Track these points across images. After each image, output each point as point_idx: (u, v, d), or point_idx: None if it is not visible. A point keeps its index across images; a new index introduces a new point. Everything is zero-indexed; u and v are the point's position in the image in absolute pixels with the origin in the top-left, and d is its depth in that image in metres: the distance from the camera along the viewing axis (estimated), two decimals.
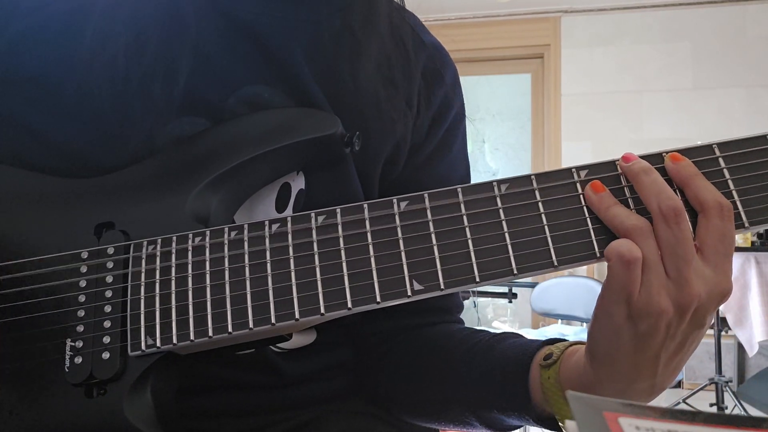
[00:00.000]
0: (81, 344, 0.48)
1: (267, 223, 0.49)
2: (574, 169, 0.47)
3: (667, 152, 0.46)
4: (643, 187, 0.45)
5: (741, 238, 3.28)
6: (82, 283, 0.50)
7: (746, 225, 0.45)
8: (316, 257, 0.47)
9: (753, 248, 2.90)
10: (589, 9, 3.89)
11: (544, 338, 0.56)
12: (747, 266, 2.76)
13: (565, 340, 0.53)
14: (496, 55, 4.09)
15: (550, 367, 0.50)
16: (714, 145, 0.46)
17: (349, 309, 0.46)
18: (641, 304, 0.43)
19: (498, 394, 0.54)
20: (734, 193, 0.45)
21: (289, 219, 0.49)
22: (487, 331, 0.62)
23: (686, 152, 0.46)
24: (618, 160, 0.47)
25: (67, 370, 0.48)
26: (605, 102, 3.85)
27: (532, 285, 3.20)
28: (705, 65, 3.73)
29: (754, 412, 2.84)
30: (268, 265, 0.48)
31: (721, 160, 0.46)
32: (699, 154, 0.46)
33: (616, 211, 0.45)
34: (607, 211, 0.45)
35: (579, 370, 0.48)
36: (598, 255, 0.45)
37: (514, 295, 3.16)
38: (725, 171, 0.46)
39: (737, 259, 2.76)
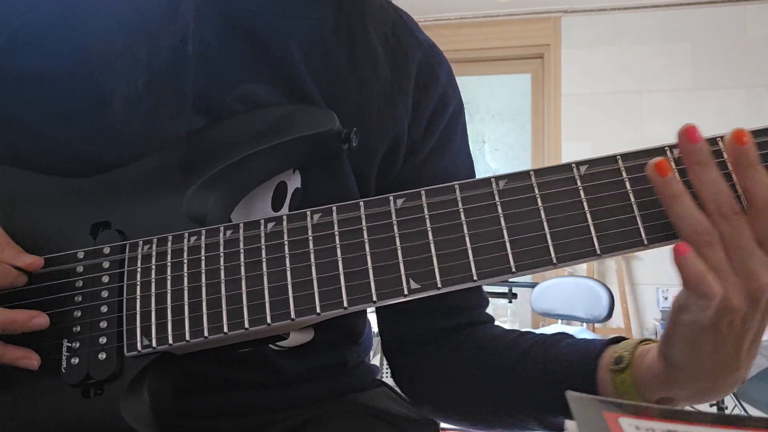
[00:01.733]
0: (78, 345, 0.48)
1: (263, 221, 0.49)
2: (573, 164, 0.46)
3: (670, 146, 0.46)
4: (701, 182, 0.43)
5: None
6: (79, 284, 0.49)
7: (645, 243, 0.45)
8: (312, 256, 0.47)
9: None
10: (589, 9, 3.89)
11: (599, 339, 0.55)
12: None
13: (624, 338, 0.53)
14: (496, 55, 4.09)
15: (623, 371, 0.50)
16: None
17: (345, 308, 0.46)
18: (720, 309, 0.42)
19: (564, 400, 0.54)
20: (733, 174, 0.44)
21: (284, 218, 0.48)
22: (533, 333, 0.62)
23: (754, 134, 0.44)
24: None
25: (64, 371, 0.48)
26: (605, 102, 3.84)
27: (532, 285, 3.20)
28: (705, 65, 3.73)
29: (754, 412, 2.84)
30: (264, 264, 0.48)
31: (724, 153, 0.45)
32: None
33: (683, 209, 0.43)
34: (672, 200, 0.43)
35: (656, 373, 0.48)
36: (598, 252, 0.44)
37: (514, 295, 3.16)
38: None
39: None
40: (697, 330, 0.44)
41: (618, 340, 0.54)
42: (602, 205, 0.45)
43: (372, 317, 0.73)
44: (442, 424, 0.70)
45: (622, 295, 3.54)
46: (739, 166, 0.43)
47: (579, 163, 0.46)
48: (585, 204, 0.45)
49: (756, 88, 3.65)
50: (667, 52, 3.78)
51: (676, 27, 3.78)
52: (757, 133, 0.44)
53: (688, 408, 0.36)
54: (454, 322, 0.66)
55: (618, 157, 0.46)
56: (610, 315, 2.91)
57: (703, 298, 0.42)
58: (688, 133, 0.44)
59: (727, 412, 2.71)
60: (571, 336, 0.59)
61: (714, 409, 2.76)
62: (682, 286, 0.42)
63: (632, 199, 0.45)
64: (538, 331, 0.64)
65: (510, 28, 4.00)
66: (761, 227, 0.42)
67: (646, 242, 0.44)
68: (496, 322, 0.71)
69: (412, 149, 0.65)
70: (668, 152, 0.45)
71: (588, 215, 0.45)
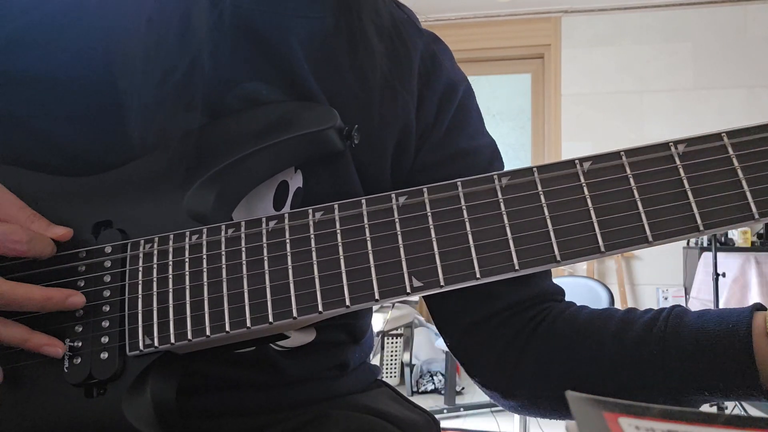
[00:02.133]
0: (80, 344, 0.48)
1: (264, 220, 0.48)
2: (577, 161, 0.46)
3: (675, 142, 0.45)
4: None
5: (741, 238, 3.28)
6: (81, 283, 0.49)
7: (756, 216, 0.43)
8: (314, 254, 0.47)
9: (753, 248, 2.90)
10: (590, 9, 3.89)
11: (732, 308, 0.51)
12: (747, 266, 2.76)
13: (762, 305, 0.50)
14: (496, 55, 4.09)
15: None
16: (723, 134, 0.44)
17: (348, 306, 0.45)
18: None
19: (709, 375, 0.50)
20: (743, 182, 0.44)
21: (286, 216, 0.48)
22: (636, 311, 0.57)
23: (695, 141, 0.45)
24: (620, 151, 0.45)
25: (66, 371, 0.48)
26: (605, 102, 3.85)
27: None
28: (705, 65, 3.73)
29: (754, 412, 2.84)
30: (266, 262, 0.47)
31: (729, 147, 0.44)
32: (707, 142, 0.44)
33: None
34: None
35: None
36: (602, 249, 0.44)
37: None
38: (734, 159, 0.44)
39: (737, 259, 2.76)
40: None
41: (761, 307, 0.50)
42: (605, 202, 0.45)
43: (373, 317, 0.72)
44: (443, 425, 0.69)
45: (622, 295, 3.54)
46: None
47: (582, 160, 0.46)
48: (588, 201, 0.45)
49: (756, 87, 3.65)
50: (667, 52, 3.78)
51: (676, 27, 3.78)
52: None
53: (688, 408, 0.36)
54: (542, 308, 0.62)
55: (621, 153, 0.46)
56: None
57: None
58: None
59: (727, 412, 2.71)
60: (684, 308, 0.55)
61: (714, 409, 2.77)
62: None
63: (636, 196, 0.44)
64: None
65: (510, 28, 4.00)
66: None
67: (650, 239, 0.44)
68: None
69: (423, 136, 0.65)
70: (672, 148, 0.45)
71: (592, 212, 0.44)
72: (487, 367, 0.63)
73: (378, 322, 3.50)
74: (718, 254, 2.86)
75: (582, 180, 0.45)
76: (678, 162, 0.45)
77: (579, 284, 2.97)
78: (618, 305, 3.23)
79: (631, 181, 0.45)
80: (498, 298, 0.61)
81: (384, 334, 3.64)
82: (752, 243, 3.02)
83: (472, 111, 0.69)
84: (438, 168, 0.58)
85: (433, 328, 2.95)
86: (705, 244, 3.28)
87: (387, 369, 3.75)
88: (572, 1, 3.86)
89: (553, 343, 0.59)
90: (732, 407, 2.82)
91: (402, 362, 3.78)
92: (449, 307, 0.64)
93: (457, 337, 0.65)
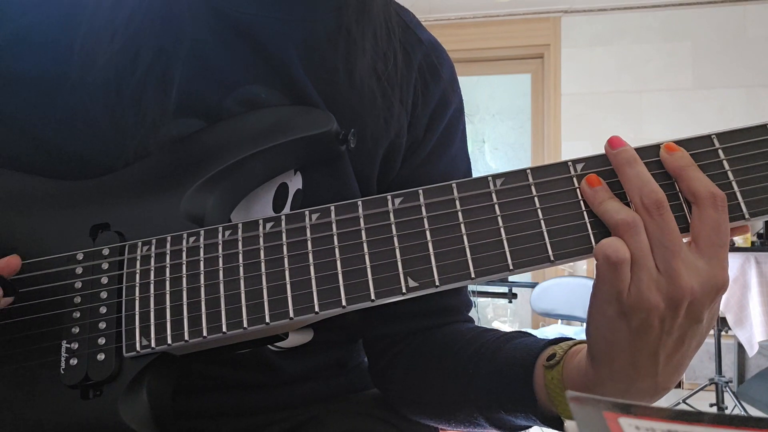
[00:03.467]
0: (76, 346, 0.48)
1: (261, 222, 0.49)
2: (570, 163, 0.46)
3: (664, 143, 0.46)
4: (627, 179, 0.44)
5: (741, 238, 3.28)
6: (78, 285, 0.49)
7: (746, 216, 0.44)
8: (311, 255, 0.47)
9: (753, 248, 2.89)
10: (589, 9, 3.89)
11: (548, 338, 0.55)
12: (747, 266, 2.76)
13: (571, 339, 0.53)
14: (496, 55, 4.09)
15: (553, 368, 0.49)
16: (713, 136, 0.45)
17: (344, 307, 0.46)
18: (632, 300, 0.42)
19: (505, 395, 0.54)
20: (734, 183, 0.44)
21: (283, 218, 0.48)
22: (497, 331, 0.61)
23: (684, 143, 0.45)
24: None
25: (62, 372, 0.48)
26: (605, 102, 3.85)
27: (532, 285, 3.20)
28: (705, 65, 3.73)
29: (754, 412, 2.84)
30: (263, 264, 0.48)
31: (720, 151, 0.45)
32: (698, 146, 0.45)
33: (608, 205, 0.44)
34: (600, 205, 0.44)
35: (581, 371, 0.47)
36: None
37: (514, 296, 3.16)
38: (725, 162, 0.45)
39: (737, 259, 2.76)
40: (614, 318, 0.43)
41: (564, 340, 0.53)
42: None
43: None
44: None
45: None
46: (676, 169, 0.44)
47: (576, 161, 0.47)
48: (582, 202, 0.45)
49: (756, 87, 3.65)
50: (667, 52, 3.78)
51: (676, 26, 3.78)
52: (686, 143, 0.46)
53: (688, 408, 0.36)
54: (433, 322, 0.66)
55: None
56: None
57: (606, 262, 0.42)
58: (611, 142, 0.46)
59: (727, 412, 2.71)
60: (529, 335, 0.59)
61: (714, 409, 2.77)
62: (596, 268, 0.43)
63: (629, 197, 0.45)
64: (537, 331, 0.64)
65: (510, 28, 4.00)
66: (707, 220, 0.42)
67: None
68: (497, 322, 0.70)
69: (411, 149, 0.65)
70: (661, 150, 0.45)
71: (585, 213, 0.45)
72: (376, 377, 0.69)
73: None
74: None
75: (575, 183, 0.46)
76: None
77: (579, 284, 2.97)
78: None
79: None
80: (398, 319, 0.65)
81: None
82: (752, 243, 3.02)
83: (457, 133, 0.70)
84: (413, 186, 0.59)
85: None
86: None
87: None
88: (572, 1, 3.86)
89: (419, 357, 0.64)
90: (732, 407, 2.82)
91: None
92: (368, 322, 0.67)
93: (376, 343, 0.68)
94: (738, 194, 0.44)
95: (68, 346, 0.48)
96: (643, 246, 0.42)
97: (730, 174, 0.45)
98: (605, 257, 0.42)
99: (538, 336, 0.58)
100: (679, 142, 0.45)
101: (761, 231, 3.38)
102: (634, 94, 3.82)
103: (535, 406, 0.51)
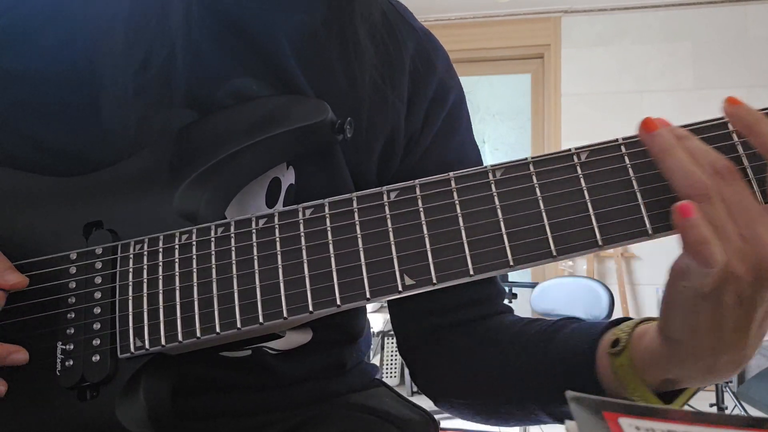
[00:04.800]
0: (72, 347, 0.48)
1: (254, 218, 0.48)
2: (573, 151, 0.44)
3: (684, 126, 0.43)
4: (678, 157, 0.40)
5: None
6: (72, 285, 0.49)
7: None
8: (304, 252, 0.46)
9: None
10: (590, 9, 3.89)
11: (601, 321, 0.53)
12: None
13: (629, 319, 0.50)
14: (496, 55, 4.09)
15: (620, 354, 0.47)
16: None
17: (338, 306, 0.45)
18: (717, 275, 0.39)
19: (567, 387, 0.52)
20: (749, 170, 0.42)
21: (276, 214, 0.48)
22: (542, 320, 0.59)
23: (698, 130, 0.43)
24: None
25: (58, 374, 0.47)
26: (605, 102, 3.85)
27: (532, 285, 3.20)
28: (705, 65, 3.73)
29: (754, 412, 2.84)
30: (255, 261, 0.47)
31: (734, 135, 0.43)
32: (711, 131, 0.43)
33: (676, 159, 0.40)
34: (664, 155, 0.40)
35: (655, 353, 0.45)
36: (600, 243, 0.42)
37: (514, 296, 3.15)
38: (738, 147, 0.43)
39: None
40: (697, 298, 0.40)
41: (621, 321, 0.51)
42: (604, 194, 0.43)
43: (370, 317, 0.72)
44: (443, 424, 0.69)
45: (622, 296, 3.54)
46: (747, 127, 0.41)
47: (579, 150, 0.44)
48: (586, 193, 0.43)
49: (756, 87, 3.65)
50: (667, 52, 3.79)
51: (676, 26, 3.78)
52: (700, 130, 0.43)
53: (688, 408, 0.35)
54: (467, 315, 0.64)
55: (620, 142, 0.44)
56: (610, 315, 2.91)
57: (704, 265, 0.38)
58: (645, 125, 0.43)
59: (727, 412, 2.71)
60: (578, 320, 0.56)
61: (714, 409, 2.77)
62: (682, 250, 0.39)
63: (635, 187, 0.43)
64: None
65: (510, 28, 4.01)
66: None
67: (650, 231, 0.42)
68: None
69: (411, 141, 0.64)
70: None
71: (589, 205, 0.43)
72: (423, 372, 0.67)
73: (378, 322, 3.50)
74: None
75: (579, 171, 0.44)
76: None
77: (579, 284, 2.97)
78: (618, 305, 3.23)
79: (630, 171, 0.43)
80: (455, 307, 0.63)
81: (384, 334, 3.64)
82: None
83: (461, 120, 0.68)
84: (421, 176, 0.57)
85: None
86: None
87: (387, 369, 3.75)
88: (572, 1, 3.86)
89: (464, 354, 0.62)
90: (732, 407, 2.82)
91: (402, 362, 3.78)
92: (398, 319, 0.66)
93: (412, 341, 0.67)
94: (754, 182, 0.42)
95: (63, 347, 0.48)
96: (724, 215, 0.39)
97: (744, 160, 0.42)
98: (704, 261, 0.38)
99: None
100: (691, 128, 0.43)
101: None
102: (634, 95, 3.82)
103: (602, 394, 0.49)
